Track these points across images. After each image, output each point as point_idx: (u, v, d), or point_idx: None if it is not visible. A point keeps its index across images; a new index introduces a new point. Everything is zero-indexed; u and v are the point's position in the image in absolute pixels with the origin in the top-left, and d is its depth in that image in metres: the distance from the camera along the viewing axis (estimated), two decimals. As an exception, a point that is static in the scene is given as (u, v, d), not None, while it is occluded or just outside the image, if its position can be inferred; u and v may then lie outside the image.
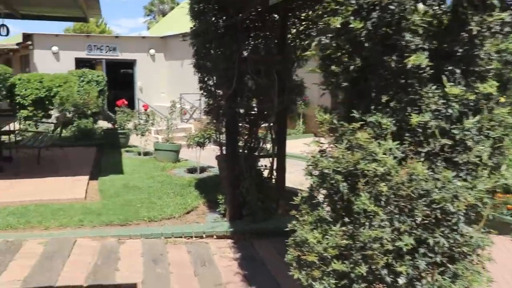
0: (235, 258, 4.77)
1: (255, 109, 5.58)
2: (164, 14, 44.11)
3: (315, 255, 2.16)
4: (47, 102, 12.08)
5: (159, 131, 12.62)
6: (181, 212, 5.83)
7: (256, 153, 5.67)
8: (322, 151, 2.36)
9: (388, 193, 1.99)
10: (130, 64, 18.81)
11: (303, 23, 5.77)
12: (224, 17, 5.12)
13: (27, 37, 16.63)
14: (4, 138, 9.43)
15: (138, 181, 7.24)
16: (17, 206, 5.91)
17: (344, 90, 2.30)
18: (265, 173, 5.83)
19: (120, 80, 18.48)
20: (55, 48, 16.75)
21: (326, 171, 2.15)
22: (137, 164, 8.68)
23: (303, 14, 5.84)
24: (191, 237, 5.21)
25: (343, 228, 2.13)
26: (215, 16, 5.16)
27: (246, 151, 5.57)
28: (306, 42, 5.80)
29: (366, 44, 2.08)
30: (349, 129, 2.12)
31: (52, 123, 11.48)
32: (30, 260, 4.40)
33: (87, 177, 7.35)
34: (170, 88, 18.99)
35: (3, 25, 8.46)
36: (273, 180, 5.79)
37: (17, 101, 11.82)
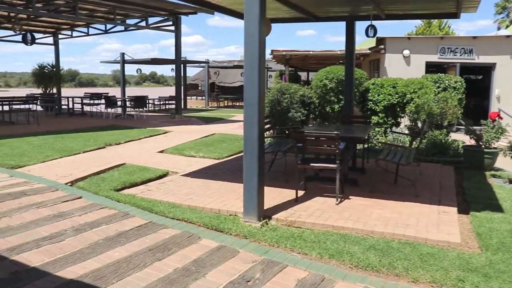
0: None
1: None
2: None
3: None
4: (398, 109, 11.16)
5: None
6: None
7: None
8: None
9: None
10: (487, 68, 16.33)
11: None
12: None
13: (379, 41, 16.33)
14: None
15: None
16: (377, 238, 4.87)
17: None
18: None
19: (471, 87, 16.26)
20: (406, 52, 15.91)
21: None
22: (516, 198, 6.62)
23: None
24: None
25: None
26: None
27: None
28: None
29: None
30: None
31: (401, 133, 10.47)
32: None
33: (454, 209, 5.82)
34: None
35: (371, 25, 7.80)
36: None
37: (368, 107, 11.31)
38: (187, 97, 29.78)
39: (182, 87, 21.77)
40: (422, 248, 4.60)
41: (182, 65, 23.13)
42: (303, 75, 33.57)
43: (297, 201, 6.04)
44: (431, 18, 26.36)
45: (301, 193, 6.40)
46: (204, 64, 30.83)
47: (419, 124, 10.94)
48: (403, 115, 11.28)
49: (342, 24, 9.31)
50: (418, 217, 5.47)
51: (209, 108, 27.71)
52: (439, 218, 5.46)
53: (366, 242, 4.75)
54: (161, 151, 10.19)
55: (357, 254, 4.44)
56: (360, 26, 8.14)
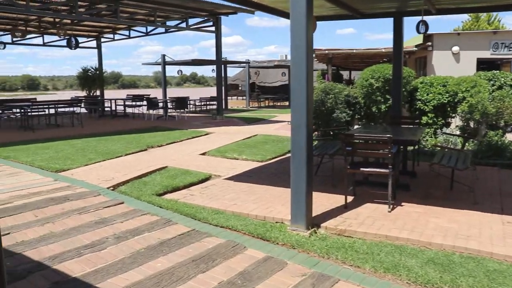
0: None
1: None
2: None
3: None
4: (449, 109, 10.59)
5: None
6: None
7: None
8: None
9: None
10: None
11: None
12: None
13: (426, 38, 15.67)
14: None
15: None
16: (436, 251, 4.49)
17: None
18: None
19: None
20: (455, 48, 15.19)
21: None
22: None
23: None
24: None
25: None
26: None
27: None
28: None
29: None
30: None
31: (454, 134, 9.93)
32: None
33: (520, 218, 5.35)
34: None
35: (422, 21, 7.34)
36: None
37: (417, 107, 10.80)
38: (228, 98, 29.76)
39: (223, 88, 21.67)
40: (488, 264, 4.19)
41: (222, 65, 23.05)
42: (344, 74, 32.93)
43: (346, 207, 5.71)
44: (486, 11, 24.61)
45: (350, 198, 6.06)
46: (244, 64, 30.72)
47: (471, 125, 10.35)
48: (454, 115, 10.70)
49: (383, 22, 8.91)
50: (480, 228, 5.03)
51: (250, 108, 27.56)
52: (504, 229, 5.01)
53: (424, 255, 4.38)
54: (203, 153, 10.04)
55: (415, 269, 4.08)
56: (407, 23, 7.70)
